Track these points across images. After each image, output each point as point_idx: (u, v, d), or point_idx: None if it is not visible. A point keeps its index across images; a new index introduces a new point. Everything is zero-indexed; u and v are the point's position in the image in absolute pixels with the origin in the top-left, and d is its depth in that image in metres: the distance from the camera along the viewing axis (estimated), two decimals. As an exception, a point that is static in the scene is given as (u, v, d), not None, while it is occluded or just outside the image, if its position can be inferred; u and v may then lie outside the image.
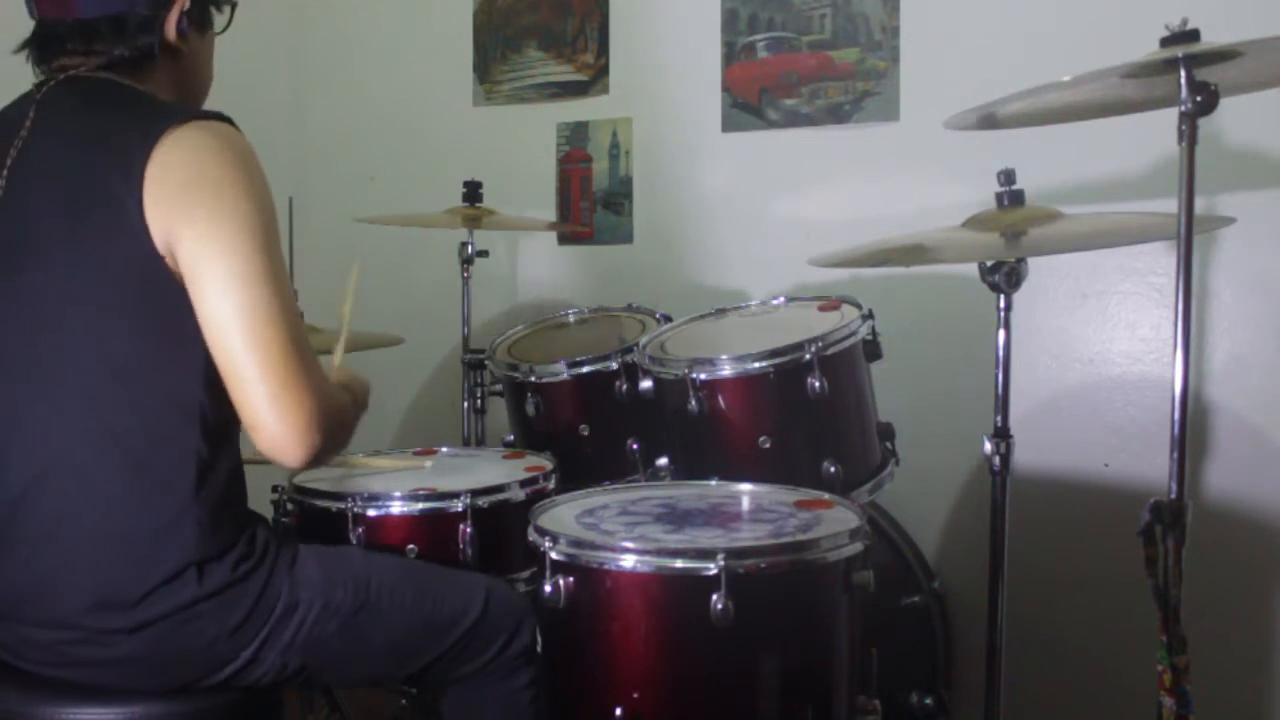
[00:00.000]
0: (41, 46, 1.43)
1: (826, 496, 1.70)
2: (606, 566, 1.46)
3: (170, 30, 1.43)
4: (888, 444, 1.97)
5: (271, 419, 1.29)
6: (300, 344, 1.32)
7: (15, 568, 1.34)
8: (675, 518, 1.63)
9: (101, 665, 1.34)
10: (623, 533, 1.55)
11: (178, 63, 1.47)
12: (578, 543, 1.49)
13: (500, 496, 1.77)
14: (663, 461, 2.02)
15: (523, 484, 1.80)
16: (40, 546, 1.33)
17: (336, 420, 1.38)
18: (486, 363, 2.38)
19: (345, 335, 1.77)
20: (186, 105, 1.46)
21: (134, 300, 1.31)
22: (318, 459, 1.34)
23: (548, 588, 1.48)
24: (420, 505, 1.73)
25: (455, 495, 1.72)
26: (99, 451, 1.32)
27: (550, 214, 2.97)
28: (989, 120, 1.64)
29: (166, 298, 1.30)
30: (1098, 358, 2.41)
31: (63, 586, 1.32)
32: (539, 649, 1.57)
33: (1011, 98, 1.51)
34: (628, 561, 1.45)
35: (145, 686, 1.36)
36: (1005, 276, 1.71)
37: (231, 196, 1.30)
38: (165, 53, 1.44)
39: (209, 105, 1.52)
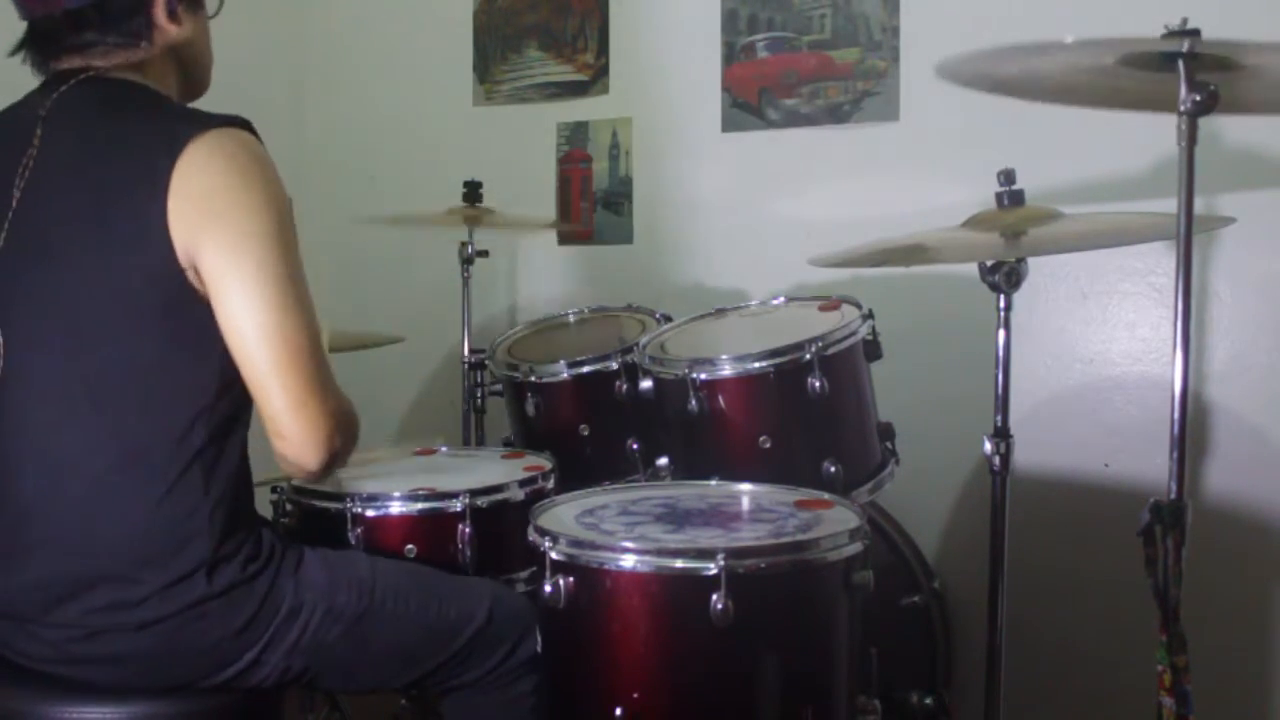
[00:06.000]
0: (38, 47, 1.42)
1: (826, 496, 1.70)
2: (606, 566, 1.46)
3: (160, 13, 1.41)
4: (888, 444, 1.97)
5: (295, 426, 1.31)
6: (320, 350, 1.34)
7: (29, 571, 1.34)
8: (675, 518, 1.63)
9: (105, 662, 1.34)
10: (623, 533, 1.54)
11: (178, 49, 1.45)
12: (578, 543, 1.49)
13: (499, 496, 1.76)
14: (663, 461, 2.02)
15: (522, 484, 1.80)
16: (54, 550, 1.33)
17: (351, 423, 1.40)
18: (486, 363, 2.38)
19: None
20: (205, 112, 1.43)
21: (151, 310, 1.31)
22: (335, 463, 1.36)
23: (548, 588, 1.48)
24: (419, 505, 1.73)
25: (454, 495, 1.72)
26: (112, 457, 1.32)
27: (550, 214, 2.97)
28: (985, 80, 1.57)
29: (184, 308, 1.31)
30: (1098, 358, 2.41)
31: (76, 588, 1.32)
32: (539, 649, 1.57)
33: (1012, 50, 1.45)
34: (628, 561, 1.45)
35: (147, 684, 1.36)
36: (1005, 276, 1.71)
37: (254, 207, 1.31)
38: (162, 38, 1.42)
39: (209, 99, 1.52)
